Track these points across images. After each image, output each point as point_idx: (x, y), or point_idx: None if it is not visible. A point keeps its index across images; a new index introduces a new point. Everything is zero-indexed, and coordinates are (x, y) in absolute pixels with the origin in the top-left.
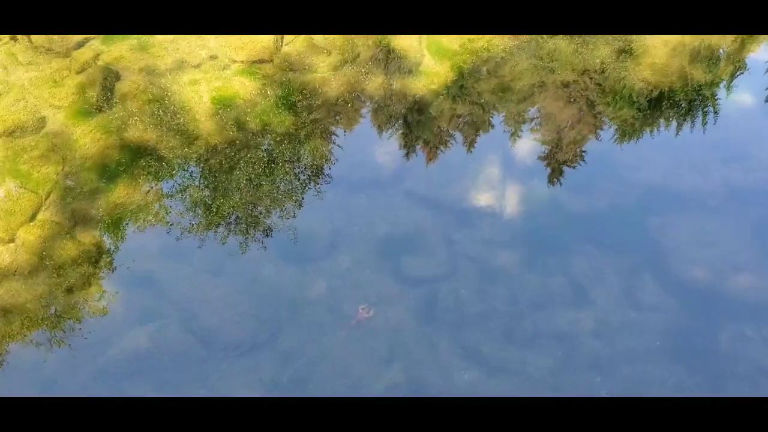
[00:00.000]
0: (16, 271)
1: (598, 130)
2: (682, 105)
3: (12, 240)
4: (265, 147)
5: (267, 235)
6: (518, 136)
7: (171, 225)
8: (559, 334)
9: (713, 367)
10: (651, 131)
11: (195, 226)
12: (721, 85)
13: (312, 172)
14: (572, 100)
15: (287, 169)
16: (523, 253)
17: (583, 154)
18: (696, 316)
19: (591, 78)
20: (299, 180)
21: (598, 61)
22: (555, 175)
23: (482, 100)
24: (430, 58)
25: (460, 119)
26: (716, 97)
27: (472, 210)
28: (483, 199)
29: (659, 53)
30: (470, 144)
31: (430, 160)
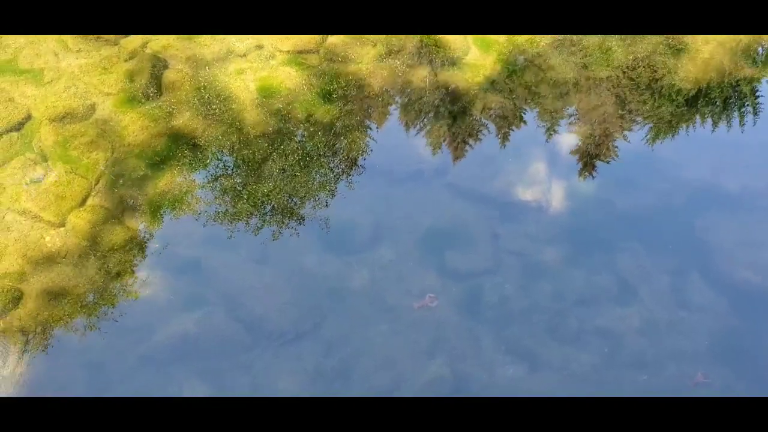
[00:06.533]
0: (66, 255)
1: (649, 125)
2: (734, 103)
3: (62, 224)
4: (302, 137)
5: (304, 223)
6: (569, 131)
7: (215, 216)
8: (604, 331)
9: (762, 370)
10: (696, 127)
11: (238, 214)
12: None
13: (354, 162)
14: (620, 94)
15: (323, 162)
16: (568, 249)
17: (616, 150)
18: (745, 317)
19: (648, 67)
20: (345, 173)
21: (642, 55)
22: (587, 169)
23: (527, 93)
24: (476, 50)
25: (504, 112)
26: (756, 96)
27: (516, 204)
28: (527, 193)
29: (707, 48)
30: (503, 138)
31: (457, 158)
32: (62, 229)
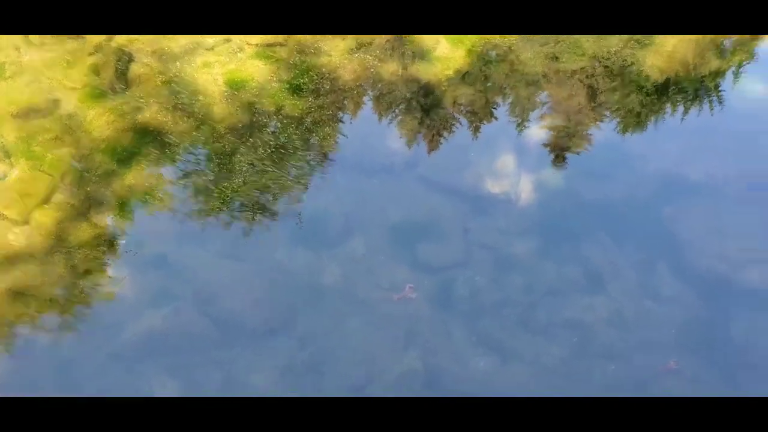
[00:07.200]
0: (31, 253)
1: (616, 117)
2: (699, 92)
3: (27, 222)
4: (272, 130)
5: (277, 218)
6: (540, 124)
7: (188, 214)
8: (574, 322)
9: (729, 359)
10: (663, 118)
11: (207, 210)
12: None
13: (323, 156)
14: (587, 86)
15: (294, 156)
16: (538, 242)
17: (590, 138)
18: (712, 307)
19: (619, 58)
20: (314, 165)
21: (612, 48)
22: (559, 161)
23: (497, 86)
24: (445, 43)
25: (472, 105)
26: (719, 87)
27: (486, 197)
28: (497, 186)
29: (672, 40)
30: (475, 130)
31: (432, 149)
32: (27, 226)
